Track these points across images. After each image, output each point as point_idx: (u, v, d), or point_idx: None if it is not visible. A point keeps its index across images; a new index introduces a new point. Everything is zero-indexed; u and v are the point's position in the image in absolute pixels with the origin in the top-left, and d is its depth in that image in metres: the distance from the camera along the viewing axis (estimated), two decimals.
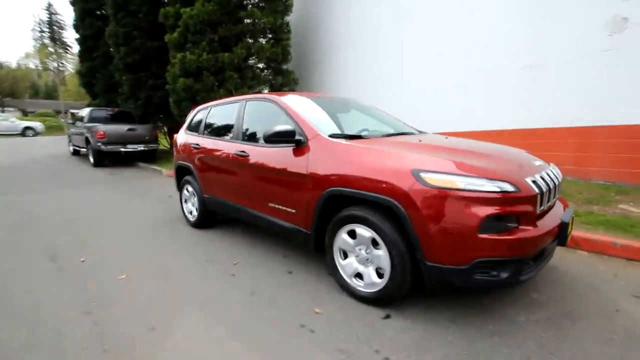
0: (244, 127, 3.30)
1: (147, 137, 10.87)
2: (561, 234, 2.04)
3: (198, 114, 4.23)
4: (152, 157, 11.43)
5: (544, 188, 2.00)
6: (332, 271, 2.47)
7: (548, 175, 2.19)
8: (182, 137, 4.33)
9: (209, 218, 4.06)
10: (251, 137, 3.20)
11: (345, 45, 10.20)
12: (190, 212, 4.21)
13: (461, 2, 6.48)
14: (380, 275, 2.18)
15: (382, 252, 2.11)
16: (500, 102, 6.13)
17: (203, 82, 9.25)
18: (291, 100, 2.98)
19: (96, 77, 13.85)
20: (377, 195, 2.05)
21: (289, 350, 1.84)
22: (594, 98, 4.78)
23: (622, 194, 4.28)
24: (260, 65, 10.54)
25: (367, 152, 2.26)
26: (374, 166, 2.12)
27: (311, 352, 1.82)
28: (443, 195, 1.84)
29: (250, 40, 9.73)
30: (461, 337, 1.90)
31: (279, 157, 2.76)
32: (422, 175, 1.91)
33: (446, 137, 2.91)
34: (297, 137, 2.60)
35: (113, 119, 11.08)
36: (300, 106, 2.90)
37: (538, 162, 2.35)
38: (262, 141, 3.02)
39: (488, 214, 1.79)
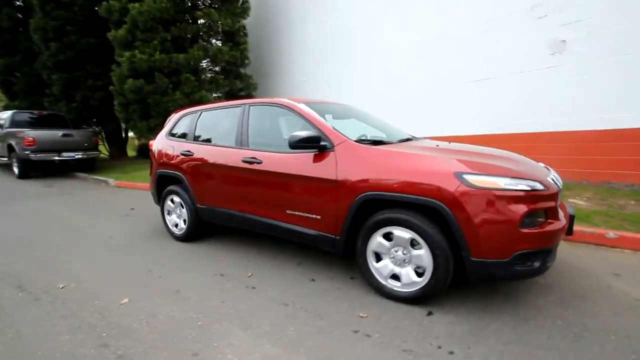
0: (251, 133, 3.17)
1: (86, 144, 9.69)
2: (570, 225, 2.37)
3: (183, 119, 3.93)
4: (91, 166, 10.23)
5: (560, 185, 2.30)
6: (365, 275, 2.50)
7: (554, 174, 2.52)
8: (163, 143, 3.98)
9: (200, 230, 3.80)
10: (262, 143, 3.09)
11: (303, 51, 10.30)
12: (176, 225, 3.89)
13: (418, 20, 7.04)
14: (419, 275, 2.28)
15: (422, 252, 2.21)
16: (450, 112, 6.79)
17: (156, 84, 8.55)
18: (305, 106, 2.96)
19: (16, 76, 11.93)
20: (421, 197, 2.15)
21: (356, 358, 1.83)
22: (539, 107, 5.56)
23: (568, 190, 5.04)
24: (217, 69, 10.12)
25: (405, 156, 2.35)
26: (416, 170, 2.22)
27: (379, 356, 1.83)
28: (487, 195, 2.00)
29: (206, 43, 9.29)
30: (503, 325, 2.08)
31: (299, 163, 2.72)
32: (466, 177, 2.06)
33: (449, 143, 3.15)
34: (322, 143, 2.59)
35: (42, 124, 9.65)
36: (314, 112, 2.89)
37: (542, 164, 2.68)
38: (276, 147, 2.95)
39: (526, 210, 2.00)
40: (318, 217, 2.65)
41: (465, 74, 6.46)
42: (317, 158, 2.64)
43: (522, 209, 2.00)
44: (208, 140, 3.56)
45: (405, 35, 7.40)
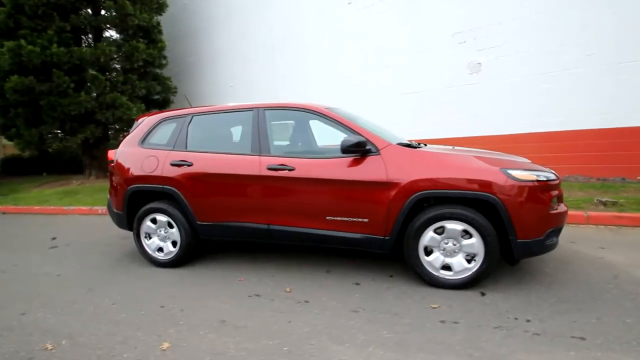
0: (271, 139, 2.96)
1: None
2: None
3: (163, 125, 3.37)
4: None
5: None
6: (418, 269, 2.64)
7: None
8: (136, 153, 3.33)
9: (195, 251, 3.31)
10: (287, 149, 2.92)
11: (230, 56, 9.85)
12: (160, 249, 3.29)
13: (359, 37, 7.64)
14: (469, 261, 2.56)
15: (474, 240, 2.49)
16: (387, 121, 7.59)
17: (52, 83, 6.84)
18: (337, 111, 2.94)
19: None
20: (476, 192, 2.43)
21: (465, 343, 1.95)
22: (461, 117, 6.72)
23: None
24: (128, 67, 8.71)
25: (450, 157, 2.61)
26: (466, 168, 2.49)
27: (483, 337, 1.99)
28: (528, 186, 2.42)
29: (117, 37, 7.93)
30: (541, 293, 2.49)
31: (342, 168, 2.70)
32: (510, 172, 2.43)
33: (453, 147, 3.56)
34: (367, 147, 2.64)
35: None
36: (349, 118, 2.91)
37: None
38: (307, 153, 2.85)
39: (552, 196, 2.50)
40: (365, 220, 2.68)
41: (399, 87, 7.30)
42: (359, 162, 2.68)
43: (550, 195, 2.49)
44: (210, 149, 3.15)
45: (344, 51, 7.90)
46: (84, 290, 2.92)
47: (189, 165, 3.09)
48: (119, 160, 3.40)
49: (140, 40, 8.16)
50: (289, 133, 3.06)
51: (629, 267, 2.84)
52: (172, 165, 3.14)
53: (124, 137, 3.63)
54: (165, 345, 2.07)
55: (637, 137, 5.29)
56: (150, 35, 8.53)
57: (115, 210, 3.47)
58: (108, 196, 3.62)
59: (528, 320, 2.15)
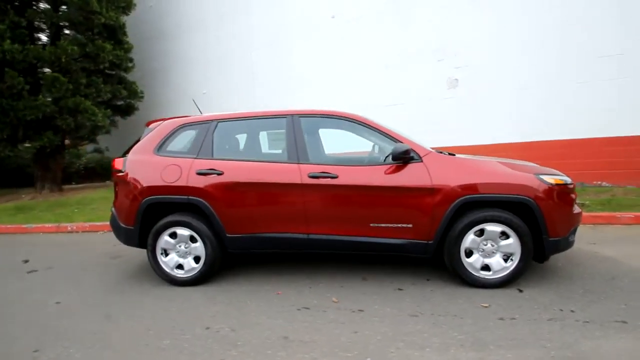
0: (309, 146, 2.91)
1: None
2: None
3: (183, 131, 3.14)
4: None
5: None
6: (459, 271, 2.74)
7: None
8: (152, 162, 3.05)
9: (219, 267, 3.10)
10: (326, 157, 2.89)
11: (204, 62, 9.48)
12: (180, 266, 3.03)
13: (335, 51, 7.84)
14: (505, 261, 2.73)
15: (511, 241, 2.67)
16: None
17: (4, 84, 5.95)
18: (376, 120, 2.99)
19: None
20: (514, 195, 2.62)
21: (531, 338, 2.07)
22: (439, 128, 7.18)
23: None
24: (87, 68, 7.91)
25: (487, 164, 2.79)
26: (505, 174, 2.69)
27: (544, 329, 2.12)
28: (557, 189, 2.67)
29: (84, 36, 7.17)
30: (579, 287, 2.70)
31: (386, 174, 2.74)
32: (543, 177, 2.67)
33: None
34: (411, 154, 2.73)
35: None
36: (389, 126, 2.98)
37: None
38: (346, 160, 2.84)
39: (574, 197, 2.78)
40: (409, 225, 2.74)
41: (381, 99, 7.60)
42: (401, 168, 2.75)
43: (572, 196, 2.78)
44: (240, 156, 3.00)
45: (327, 62, 8.04)
46: (100, 317, 2.57)
47: (218, 174, 2.90)
48: (130, 170, 3.08)
49: (107, 40, 7.49)
50: (327, 140, 3.04)
51: (625, 259, 3.23)
52: (199, 174, 2.93)
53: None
54: None
55: (590, 148, 6.08)
56: (116, 35, 7.87)
57: (123, 225, 3.12)
58: (112, 210, 3.24)
59: (572, 311, 2.35)
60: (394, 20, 7.27)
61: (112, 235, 5.01)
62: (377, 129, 2.90)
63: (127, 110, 8.94)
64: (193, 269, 3.02)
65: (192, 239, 2.99)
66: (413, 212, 2.72)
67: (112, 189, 3.41)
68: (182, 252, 3.03)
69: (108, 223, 5.34)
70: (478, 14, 6.60)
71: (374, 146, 3.34)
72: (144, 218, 3.04)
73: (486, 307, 2.47)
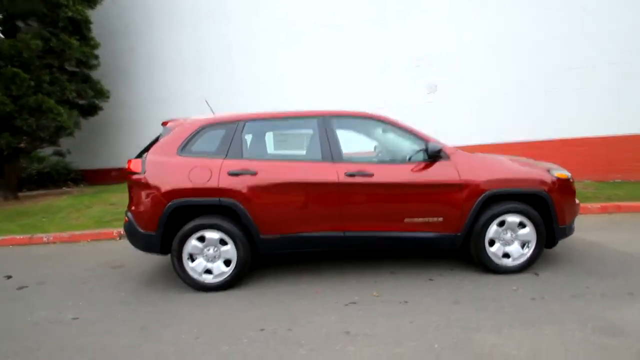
0: (339, 146, 2.96)
1: None
2: None
3: (208, 130, 3.02)
4: None
5: None
6: (484, 260, 2.95)
7: None
8: (177, 163, 2.90)
9: (247, 269, 3.02)
10: (358, 156, 2.96)
11: (179, 63, 9.03)
12: (208, 271, 2.91)
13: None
14: (522, 247, 3.01)
15: (528, 230, 2.95)
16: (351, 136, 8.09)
17: None
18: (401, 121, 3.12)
19: None
20: (532, 189, 2.91)
21: (569, 312, 2.30)
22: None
23: None
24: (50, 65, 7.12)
25: (506, 160, 3.05)
26: (523, 170, 2.98)
27: (574, 304, 2.38)
28: (564, 183, 3.00)
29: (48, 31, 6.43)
30: (584, 269, 3.02)
31: (418, 171, 2.89)
32: (554, 172, 3.00)
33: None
34: (442, 152, 2.90)
35: None
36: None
37: None
38: (378, 159, 2.95)
39: (575, 189, 3.15)
40: (440, 219, 2.91)
41: (362, 103, 7.82)
42: (430, 165, 2.92)
43: (574, 189, 3.14)
44: (272, 156, 2.95)
45: (307, 65, 8.09)
46: (135, 330, 2.39)
47: (252, 175, 2.84)
48: (152, 172, 2.88)
49: (72, 35, 6.81)
50: (358, 140, 3.11)
51: (607, 243, 3.68)
52: (230, 175, 2.84)
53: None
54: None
55: (552, 148, 6.82)
56: (81, 30, 7.20)
57: (142, 230, 2.91)
58: (128, 215, 3.00)
59: (587, 287, 2.68)
60: (377, 28, 7.55)
61: (98, 245, 4.66)
62: (404, 128, 3.04)
63: (90, 111, 8.19)
64: (223, 273, 2.91)
65: (222, 242, 2.89)
66: (444, 206, 2.90)
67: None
68: (210, 256, 2.91)
69: (90, 232, 4.96)
70: (457, 27, 7.09)
71: (375, 146, 3.49)
72: (168, 223, 2.87)
73: (515, 290, 2.72)
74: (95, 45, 7.62)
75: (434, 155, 2.83)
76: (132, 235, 3.00)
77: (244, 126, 3.02)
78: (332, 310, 2.54)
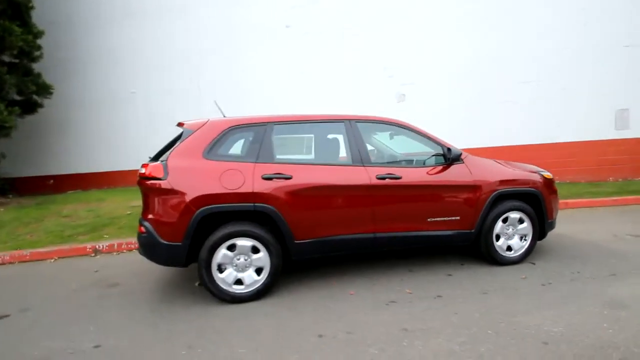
0: (370, 150, 3.07)
1: None
2: None
3: (235, 132, 2.90)
4: None
5: None
6: (492, 254, 3.28)
7: None
8: (208, 168, 2.73)
9: (278, 276, 2.94)
10: (384, 159, 3.08)
11: (131, 59, 8.28)
12: (239, 281, 2.77)
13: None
14: (521, 240, 3.41)
15: (526, 224, 3.36)
16: None
17: None
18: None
19: None
20: (529, 189, 3.32)
21: (576, 294, 2.68)
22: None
23: None
24: None
25: (505, 164, 3.43)
26: (521, 172, 3.39)
27: (576, 286, 2.79)
28: (550, 182, 3.48)
29: None
30: (568, 256, 3.51)
31: (438, 174, 3.12)
32: (542, 173, 3.46)
33: None
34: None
35: None
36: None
37: None
38: (401, 162, 3.12)
39: (556, 188, 3.67)
40: (457, 217, 3.17)
41: (335, 111, 8.02)
42: (446, 168, 3.18)
43: (556, 187, 3.65)
44: (301, 160, 2.92)
45: (279, 71, 8.04)
46: (183, 349, 2.18)
47: (287, 179, 2.78)
48: (177, 177, 2.65)
49: (12, 21, 5.80)
50: (381, 144, 3.23)
51: (576, 235, 4.25)
52: (264, 179, 2.74)
53: None
54: None
55: (509, 153, 7.70)
56: (23, 15, 6.19)
57: (165, 241, 2.65)
58: (146, 225, 2.70)
59: (579, 272, 3.14)
60: (349, 36, 7.83)
61: (72, 263, 4.07)
62: (423, 133, 3.26)
63: (29, 108, 7.06)
64: (255, 282, 2.79)
65: (254, 250, 2.77)
66: (461, 205, 3.17)
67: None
68: (240, 265, 2.77)
69: (56, 248, 4.29)
70: (425, 41, 7.67)
71: (373, 151, 3.70)
72: (196, 232, 2.66)
73: (524, 278, 3.08)
74: (39, 34, 6.63)
75: (453, 159, 3.09)
76: (151, 247, 2.72)
77: (272, 129, 2.95)
78: (377, 309, 2.61)
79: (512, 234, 3.37)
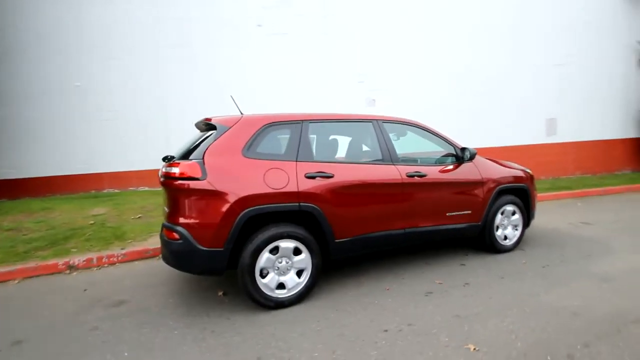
0: (395, 149, 3.18)
1: None
2: None
3: (271, 130, 2.76)
4: None
5: None
6: (496, 245, 3.67)
7: None
8: (250, 166, 2.57)
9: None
10: (407, 157, 3.23)
11: (75, 47, 7.27)
12: (282, 285, 2.65)
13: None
14: (514, 230, 3.85)
15: (517, 216, 3.82)
16: None
17: None
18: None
19: None
20: (521, 184, 3.79)
21: (572, 273, 3.14)
22: None
23: None
24: None
25: (501, 163, 3.85)
26: (514, 170, 3.83)
27: (570, 267, 3.26)
28: (532, 178, 4.01)
29: None
30: (546, 243, 4.10)
31: (454, 172, 3.41)
32: (526, 170, 3.96)
33: None
34: None
35: None
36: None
37: None
38: (427, 161, 3.34)
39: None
40: (469, 211, 3.48)
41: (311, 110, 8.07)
42: (458, 166, 3.48)
43: (535, 183, 4.22)
44: (337, 158, 2.91)
45: (248, 69, 7.80)
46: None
47: (328, 177, 2.75)
48: (218, 176, 2.43)
49: None
50: (410, 143, 3.37)
51: (544, 224, 4.94)
52: (308, 177, 2.67)
53: None
54: (472, 346, 2.08)
55: None
56: None
57: (204, 248, 2.40)
58: (181, 231, 2.40)
59: (562, 255, 3.67)
60: (322, 40, 7.94)
61: (44, 283, 3.46)
62: (437, 134, 3.51)
63: None
64: (297, 284, 2.70)
65: (297, 252, 2.68)
66: (472, 200, 3.49)
67: None
68: (282, 268, 2.65)
69: (18, 268, 3.57)
70: (392, 50, 8.15)
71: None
72: (240, 235, 2.48)
73: (525, 263, 3.49)
74: None
75: (472, 158, 3.39)
76: (186, 255, 2.45)
77: (308, 127, 2.89)
78: (420, 301, 2.73)
79: (507, 225, 3.80)
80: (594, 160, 8.88)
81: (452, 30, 8.29)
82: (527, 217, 3.94)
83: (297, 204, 2.64)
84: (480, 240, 3.76)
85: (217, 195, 2.45)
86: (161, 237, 2.72)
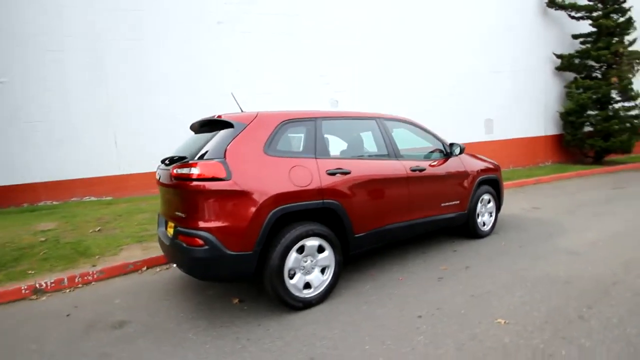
0: (397, 145, 3.32)
1: None
2: None
3: (288, 127, 2.70)
4: None
5: None
6: (478, 230, 4.04)
7: None
8: (274, 164, 2.49)
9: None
10: (405, 153, 3.39)
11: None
12: (308, 285, 2.61)
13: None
14: (490, 216, 4.28)
15: (492, 204, 4.27)
16: None
17: None
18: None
19: None
20: (494, 175, 4.23)
21: (549, 253, 3.61)
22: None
23: None
24: None
25: (477, 157, 4.24)
26: (486, 164, 4.24)
27: (547, 248, 3.74)
28: (500, 169, 4.51)
29: None
30: (515, 227, 4.63)
31: (445, 165, 3.69)
32: (495, 162, 4.43)
33: None
34: None
35: None
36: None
37: None
38: (416, 155, 3.53)
39: None
40: (457, 201, 3.78)
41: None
42: (446, 160, 3.77)
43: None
44: (349, 155, 2.95)
45: (204, 69, 7.41)
46: None
47: (345, 174, 2.76)
48: (244, 175, 2.29)
49: None
50: (407, 140, 3.50)
51: (502, 211, 5.60)
52: (329, 174, 2.66)
53: None
54: (502, 321, 2.29)
55: None
56: None
57: (232, 252, 2.24)
58: (206, 236, 2.19)
59: (530, 236, 4.19)
60: (287, 41, 7.86)
61: (11, 311, 2.83)
62: (427, 130, 3.75)
63: None
64: (322, 282, 2.68)
65: (321, 250, 2.65)
66: (460, 190, 3.80)
67: None
68: (307, 267, 2.61)
69: None
70: (357, 52, 8.40)
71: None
72: (269, 236, 2.37)
73: (504, 244, 3.91)
74: None
75: (461, 152, 3.69)
76: (214, 262, 2.26)
77: (321, 124, 2.87)
78: (434, 286, 2.90)
79: (484, 212, 4.22)
80: (523, 155, 10.24)
81: (409, 36, 8.87)
82: (499, 204, 4.43)
83: (321, 201, 2.62)
84: (464, 228, 4.11)
85: (244, 196, 2.31)
86: (174, 244, 2.46)
